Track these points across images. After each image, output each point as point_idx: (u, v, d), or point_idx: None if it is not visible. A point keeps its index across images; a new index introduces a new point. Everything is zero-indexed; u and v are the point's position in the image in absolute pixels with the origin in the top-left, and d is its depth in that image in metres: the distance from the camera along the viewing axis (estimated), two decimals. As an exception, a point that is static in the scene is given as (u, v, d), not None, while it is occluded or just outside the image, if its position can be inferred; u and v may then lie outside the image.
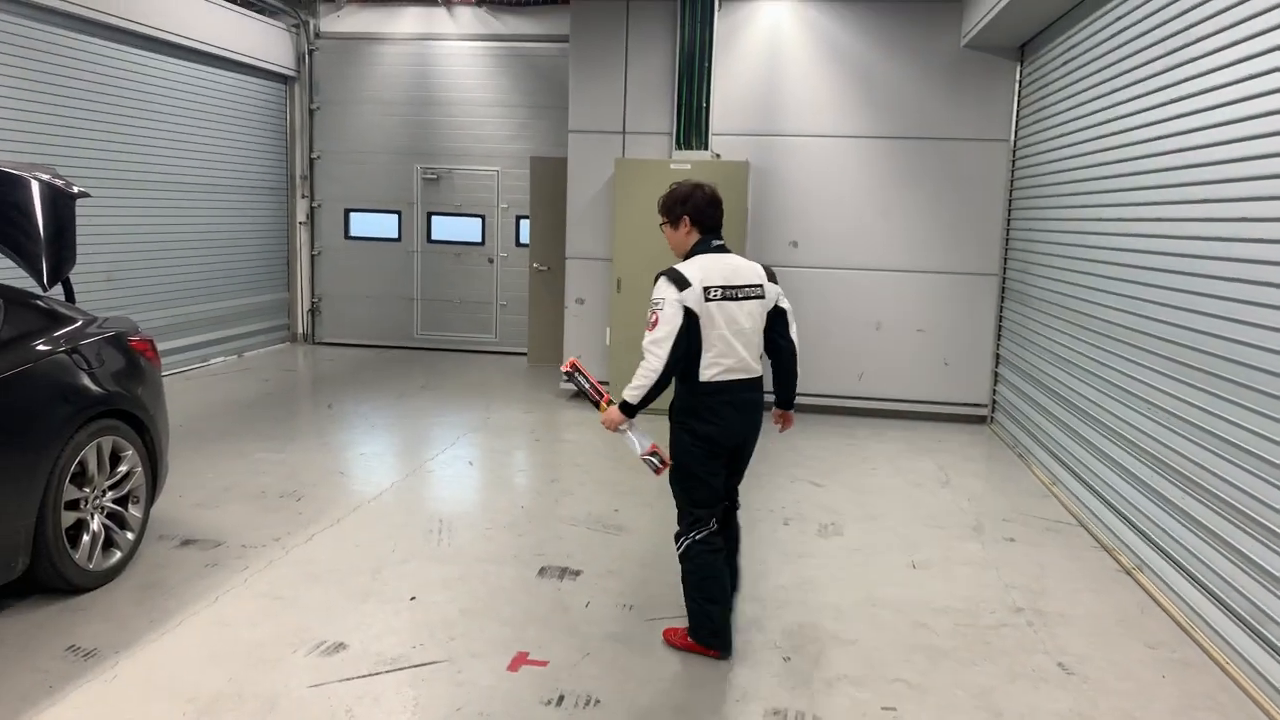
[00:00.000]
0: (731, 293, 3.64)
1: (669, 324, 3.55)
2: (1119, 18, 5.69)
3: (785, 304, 3.89)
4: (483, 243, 11.43)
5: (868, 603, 4.40)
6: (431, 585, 4.40)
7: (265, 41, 10.68)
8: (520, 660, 3.71)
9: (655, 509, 5.65)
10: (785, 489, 6.15)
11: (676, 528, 3.83)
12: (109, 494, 4.28)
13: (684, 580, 3.83)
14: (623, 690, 3.52)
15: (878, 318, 8.43)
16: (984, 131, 8.14)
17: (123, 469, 4.33)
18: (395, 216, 11.56)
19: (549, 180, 10.13)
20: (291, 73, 11.25)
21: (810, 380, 8.47)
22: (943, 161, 8.23)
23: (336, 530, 5.09)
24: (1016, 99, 8.03)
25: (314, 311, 11.80)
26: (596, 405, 3.88)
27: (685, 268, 3.66)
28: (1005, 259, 8.18)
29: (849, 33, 8.21)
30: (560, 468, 6.62)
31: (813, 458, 6.99)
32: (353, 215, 11.67)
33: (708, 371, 3.65)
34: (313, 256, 11.74)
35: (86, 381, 4.15)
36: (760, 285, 3.74)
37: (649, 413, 3.69)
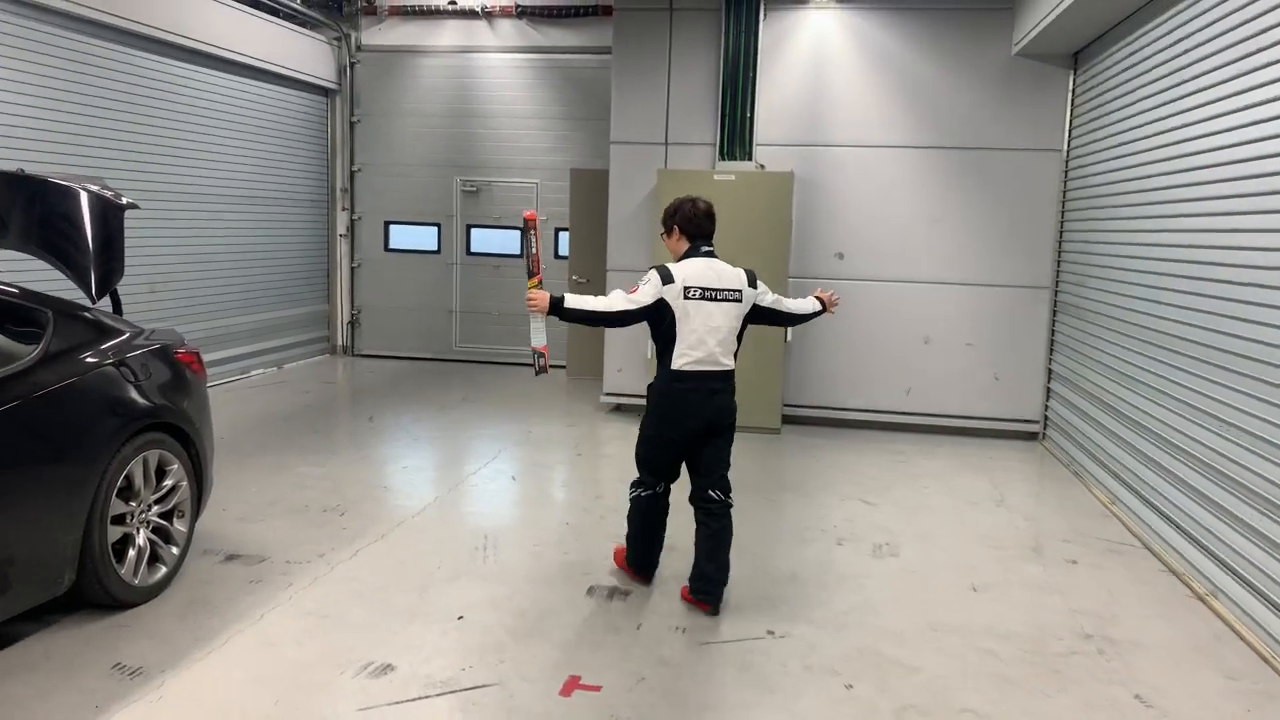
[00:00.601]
0: (711, 294, 4.14)
1: (643, 298, 4.09)
2: (1183, 24, 5.52)
3: (767, 300, 4.33)
4: (522, 255, 11.39)
5: (929, 627, 4.24)
6: (479, 604, 4.30)
7: (307, 55, 10.74)
8: (573, 685, 3.59)
9: (703, 527, 5.52)
10: (836, 508, 5.99)
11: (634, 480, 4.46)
12: (155, 508, 4.23)
13: (628, 518, 4.49)
14: (680, 718, 3.39)
15: (926, 331, 8.25)
16: (1035, 141, 7.95)
17: (168, 483, 4.28)
18: (435, 229, 11.56)
19: (588, 192, 10.09)
20: (333, 85, 11.31)
21: (856, 395, 8.35)
22: (992, 172, 8.05)
23: (381, 546, 5.01)
24: (1070, 108, 7.84)
25: (354, 324, 11.81)
26: (530, 274, 4.16)
27: (674, 267, 4.18)
28: (1058, 271, 7.97)
29: (896, 41, 8.07)
30: (604, 483, 6.50)
31: (862, 475, 6.82)
32: (393, 228, 11.68)
33: (679, 360, 4.15)
34: (353, 269, 11.76)
35: (133, 394, 4.11)
36: (739, 290, 4.21)
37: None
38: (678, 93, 8.39)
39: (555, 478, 6.69)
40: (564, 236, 11.06)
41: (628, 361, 8.62)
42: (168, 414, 4.26)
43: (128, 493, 4.05)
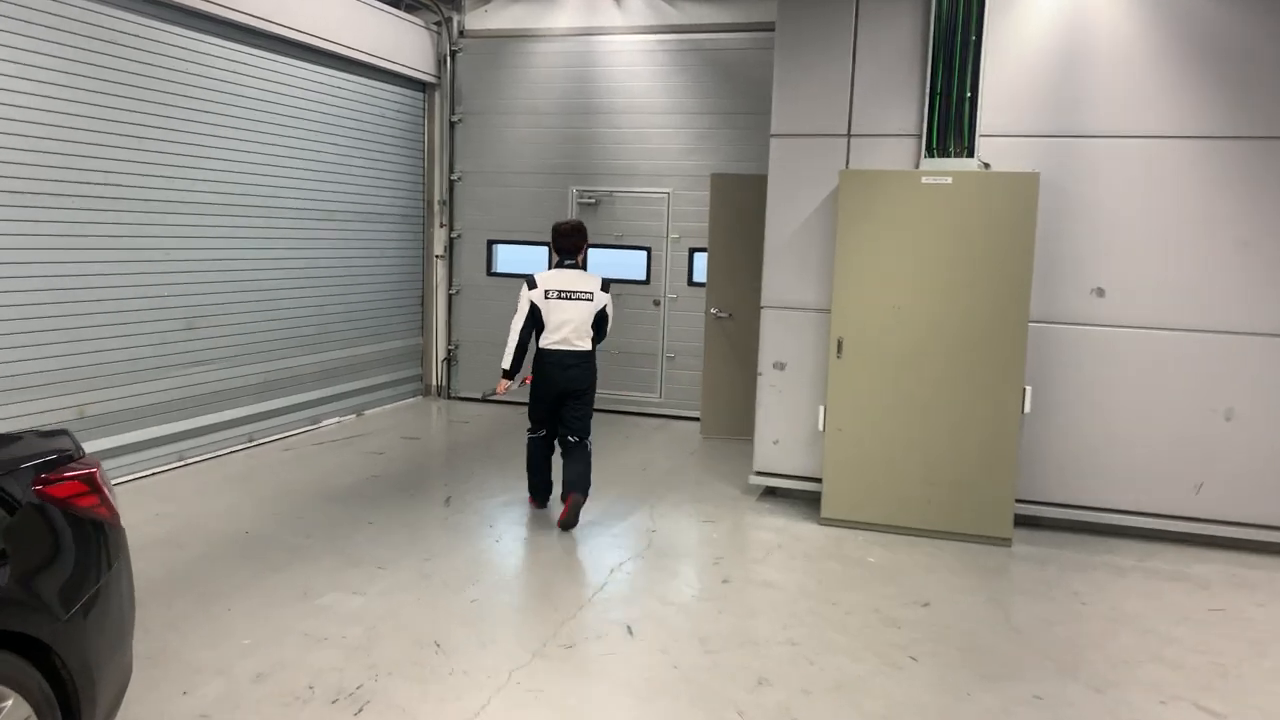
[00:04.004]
0: (566, 294, 5.69)
1: (520, 313, 5.74)
2: None
3: (610, 310, 5.83)
4: (648, 281, 9.32)
5: None
6: None
7: (400, 41, 8.99)
8: None
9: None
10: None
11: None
12: (-38, 787, 2.29)
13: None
14: None
15: (1228, 403, 5.70)
16: None
17: (-9, 738, 2.33)
18: (546, 250, 9.60)
19: (734, 203, 8.09)
20: (430, 78, 9.53)
21: (1117, 490, 5.86)
22: (1339, 172, 5.47)
23: (402, 800, 2.96)
24: None
25: (450, 360, 9.99)
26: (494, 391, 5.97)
27: (538, 275, 5.80)
28: None
29: (1192, -15, 5.61)
30: (767, 649, 4.25)
31: (1170, 637, 4.39)
32: (497, 248, 9.83)
33: (543, 342, 5.75)
34: (450, 296, 9.94)
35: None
36: (591, 293, 5.74)
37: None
38: (865, 68, 6.13)
39: (690, 631, 4.44)
40: (700, 259, 8.95)
41: (789, 430, 6.38)
42: (5, 613, 2.31)
43: (-107, 772, 2.12)
